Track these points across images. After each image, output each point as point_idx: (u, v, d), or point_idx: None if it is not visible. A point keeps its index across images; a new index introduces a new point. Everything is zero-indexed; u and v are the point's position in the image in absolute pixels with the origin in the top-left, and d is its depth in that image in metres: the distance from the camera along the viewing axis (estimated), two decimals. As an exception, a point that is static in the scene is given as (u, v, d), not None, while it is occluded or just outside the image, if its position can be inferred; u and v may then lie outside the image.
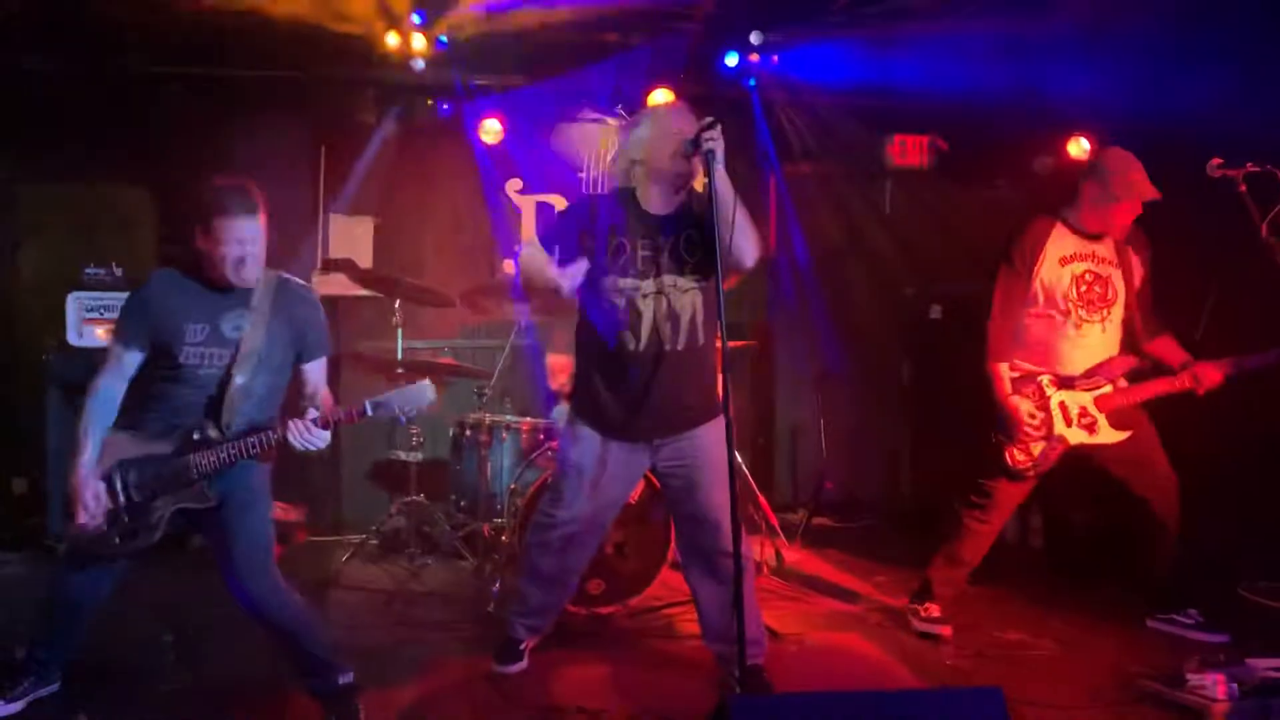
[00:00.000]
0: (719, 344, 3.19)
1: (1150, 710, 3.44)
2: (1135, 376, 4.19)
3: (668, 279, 3.43)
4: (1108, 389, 4.14)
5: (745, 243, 3.26)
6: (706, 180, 3.10)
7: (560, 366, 5.54)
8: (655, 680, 3.81)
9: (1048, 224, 4.18)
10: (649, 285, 3.42)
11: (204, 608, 4.22)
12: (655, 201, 3.45)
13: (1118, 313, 4.17)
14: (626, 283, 3.42)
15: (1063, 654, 4.03)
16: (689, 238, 3.43)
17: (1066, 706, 3.49)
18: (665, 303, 3.42)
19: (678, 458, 3.55)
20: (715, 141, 3.09)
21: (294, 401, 3.33)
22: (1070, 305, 4.12)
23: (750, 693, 3.15)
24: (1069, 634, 4.25)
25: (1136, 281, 4.19)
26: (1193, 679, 3.42)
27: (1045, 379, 4.13)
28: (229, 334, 3.16)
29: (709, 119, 3.13)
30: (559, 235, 3.46)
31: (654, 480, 4.21)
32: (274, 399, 3.29)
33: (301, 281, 3.38)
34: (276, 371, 3.26)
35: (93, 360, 5.17)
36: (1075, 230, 4.16)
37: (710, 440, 3.50)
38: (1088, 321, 4.13)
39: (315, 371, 3.35)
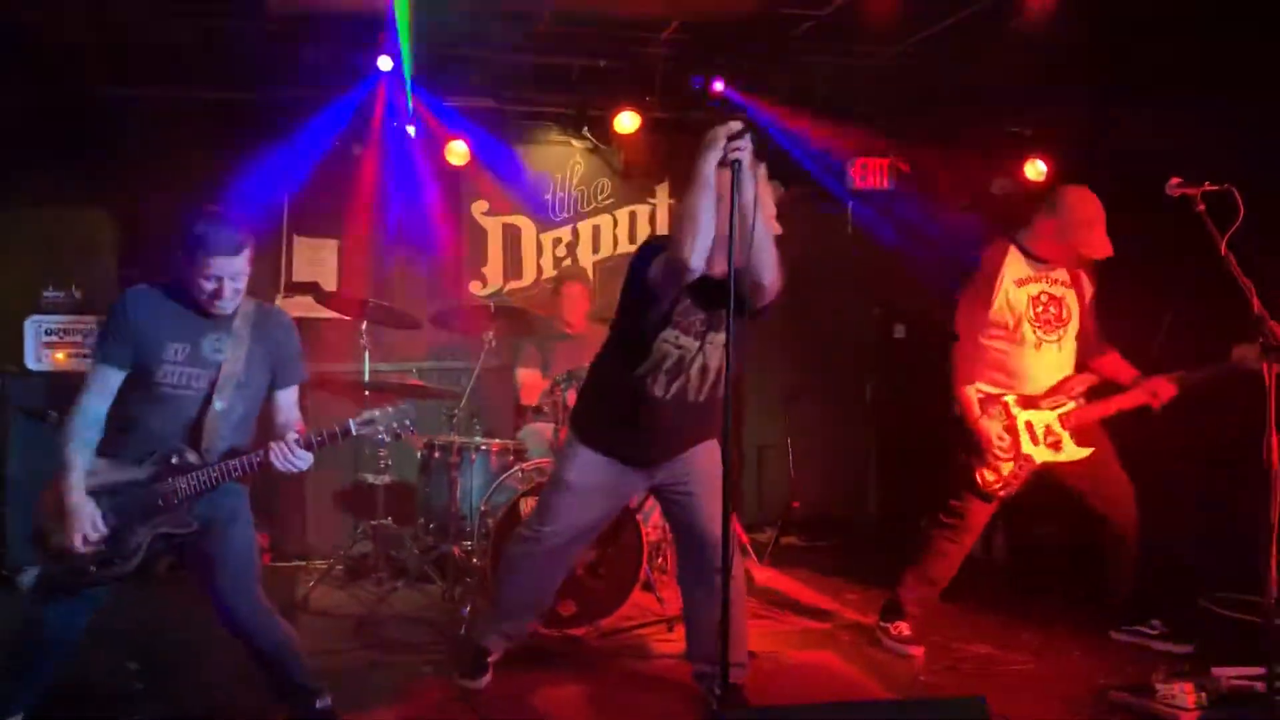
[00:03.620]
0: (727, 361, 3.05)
1: (1122, 720, 3.50)
2: (1093, 393, 4.28)
3: (710, 335, 3.35)
4: (1070, 406, 4.22)
5: (766, 258, 3.10)
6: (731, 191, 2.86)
7: (530, 381, 5.52)
8: (629, 699, 3.80)
9: (1003, 247, 4.26)
10: (696, 344, 3.34)
11: (172, 634, 4.15)
12: (718, 263, 3.15)
13: (1072, 331, 4.27)
14: (684, 341, 3.32)
15: (1034, 666, 4.08)
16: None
17: (1042, 719, 3.52)
18: (702, 358, 3.36)
19: (673, 478, 3.56)
20: (743, 151, 2.88)
21: (264, 428, 3.29)
22: (1029, 325, 4.20)
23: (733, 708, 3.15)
24: (1038, 646, 4.31)
25: (1088, 299, 4.29)
26: (1161, 689, 3.48)
27: (1011, 399, 4.20)
28: (209, 355, 3.12)
29: (738, 126, 2.90)
30: None
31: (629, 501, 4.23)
32: (249, 425, 3.25)
33: (279, 309, 3.36)
34: (253, 397, 3.23)
35: (51, 385, 5.16)
36: (1027, 255, 4.25)
37: (703, 458, 3.53)
38: (1046, 341, 4.23)
39: (288, 398, 3.32)
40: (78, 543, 2.96)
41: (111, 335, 3.09)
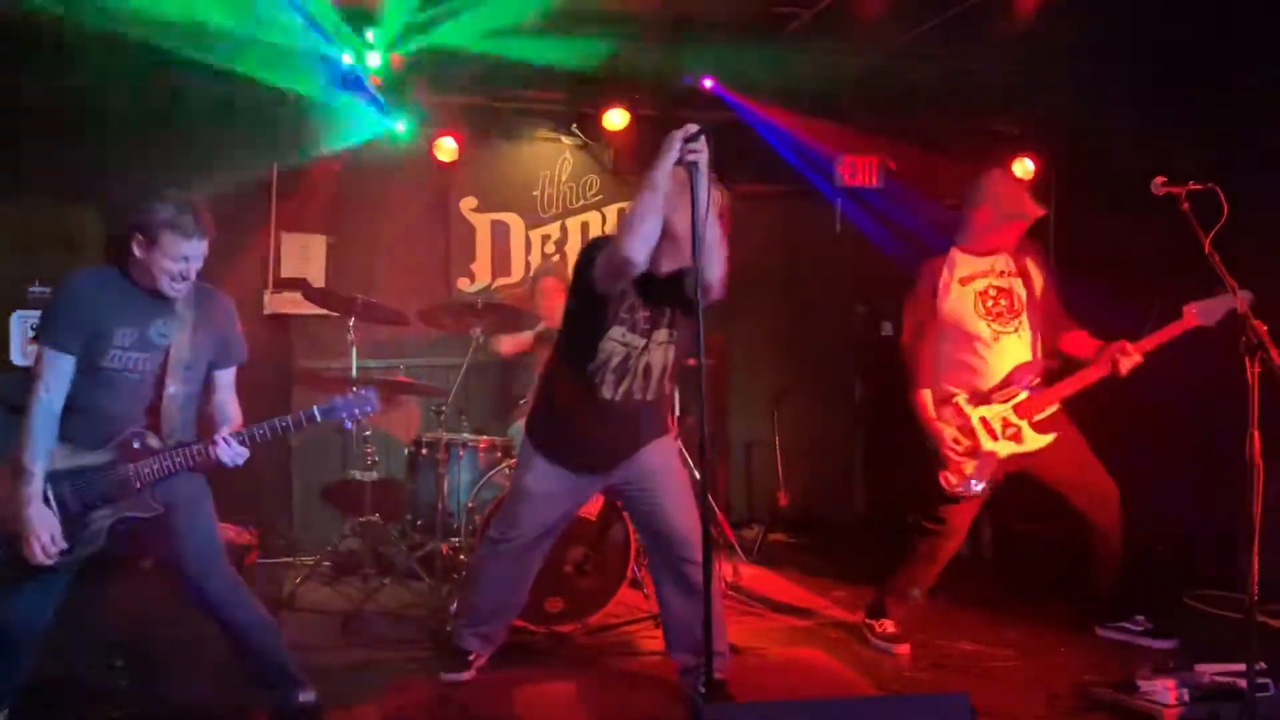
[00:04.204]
0: (691, 366, 3.14)
1: (1105, 717, 3.50)
2: (1048, 378, 4.29)
3: (656, 334, 3.42)
4: (1023, 395, 4.23)
5: (713, 256, 3.13)
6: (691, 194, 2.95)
7: (510, 338, 5.52)
8: (617, 696, 3.81)
9: (941, 255, 4.35)
10: (643, 341, 3.41)
11: (157, 630, 4.14)
12: (664, 262, 3.32)
13: (1027, 319, 4.31)
14: (629, 338, 3.39)
15: (1019, 663, 4.09)
16: (672, 289, 3.37)
17: (1025, 715, 3.54)
18: (647, 359, 3.43)
19: (628, 478, 3.61)
20: (699, 154, 2.96)
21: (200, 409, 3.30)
22: (982, 322, 4.25)
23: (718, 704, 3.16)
24: (1023, 643, 4.32)
25: (1038, 285, 4.34)
26: (1144, 685, 3.50)
27: (961, 398, 4.23)
28: (156, 340, 3.11)
29: (694, 129, 3.00)
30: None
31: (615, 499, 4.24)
32: (195, 406, 3.25)
33: (218, 290, 3.34)
34: (198, 379, 3.23)
35: (37, 380, 5.12)
36: (970, 253, 4.33)
37: (656, 455, 3.58)
38: (1003, 333, 4.27)
39: (226, 378, 3.32)
40: (37, 555, 2.93)
41: (63, 319, 3.04)
